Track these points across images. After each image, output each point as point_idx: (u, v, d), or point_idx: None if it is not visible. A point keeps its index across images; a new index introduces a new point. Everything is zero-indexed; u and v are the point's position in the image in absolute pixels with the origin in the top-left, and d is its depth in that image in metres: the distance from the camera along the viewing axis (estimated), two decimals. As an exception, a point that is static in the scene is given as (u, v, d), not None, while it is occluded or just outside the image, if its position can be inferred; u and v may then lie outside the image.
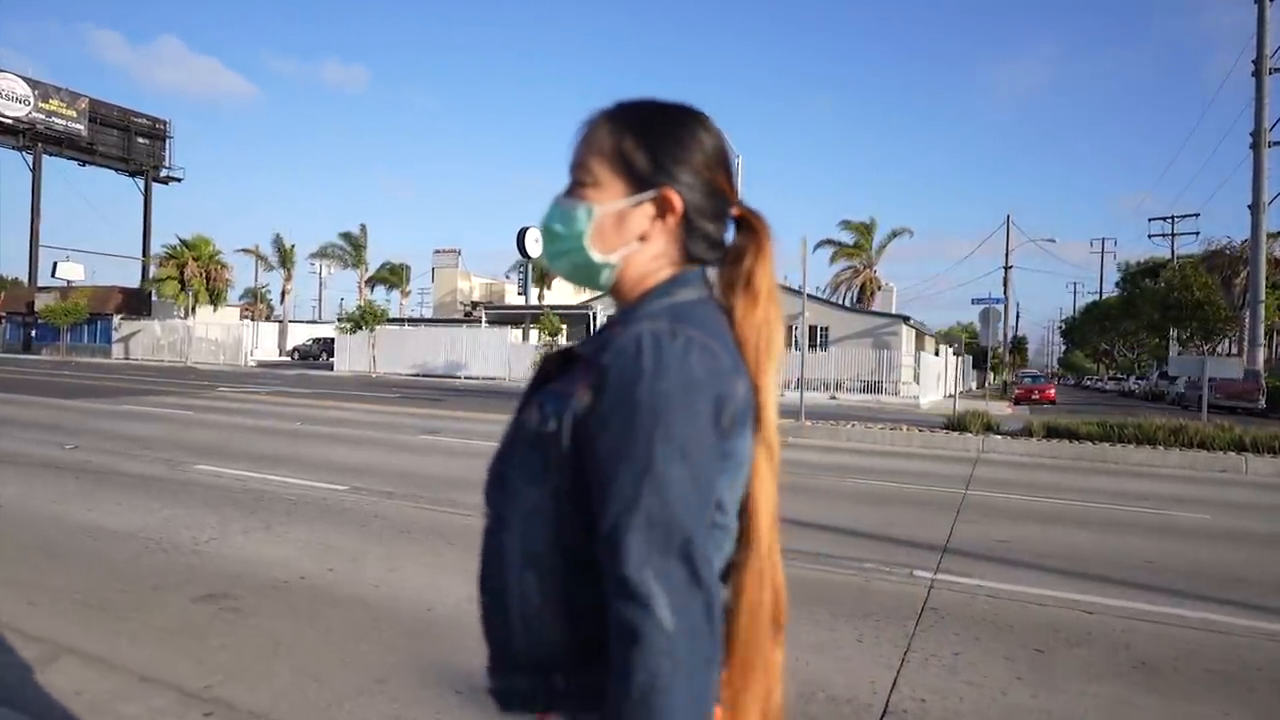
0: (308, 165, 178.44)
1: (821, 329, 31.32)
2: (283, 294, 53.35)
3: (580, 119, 1.00)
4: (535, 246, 25.87)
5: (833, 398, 25.69)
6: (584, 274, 0.99)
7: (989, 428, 12.45)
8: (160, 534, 5.34)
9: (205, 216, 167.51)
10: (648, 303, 0.94)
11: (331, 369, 37.08)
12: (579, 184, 0.97)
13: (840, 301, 44.93)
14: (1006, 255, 39.61)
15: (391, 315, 42.57)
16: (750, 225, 1.00)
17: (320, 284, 61.55)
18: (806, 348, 31.36)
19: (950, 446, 12.09)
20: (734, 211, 1.00)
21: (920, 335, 35.78)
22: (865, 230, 49.09)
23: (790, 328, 32.20)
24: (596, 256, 0.97)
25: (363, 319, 34.32)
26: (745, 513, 0.93)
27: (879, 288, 47.10)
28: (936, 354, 33.30)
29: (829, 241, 49.25)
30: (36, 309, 46.68)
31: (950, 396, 25.97)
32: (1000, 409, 22.82)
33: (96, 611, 3.91)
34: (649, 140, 0.96)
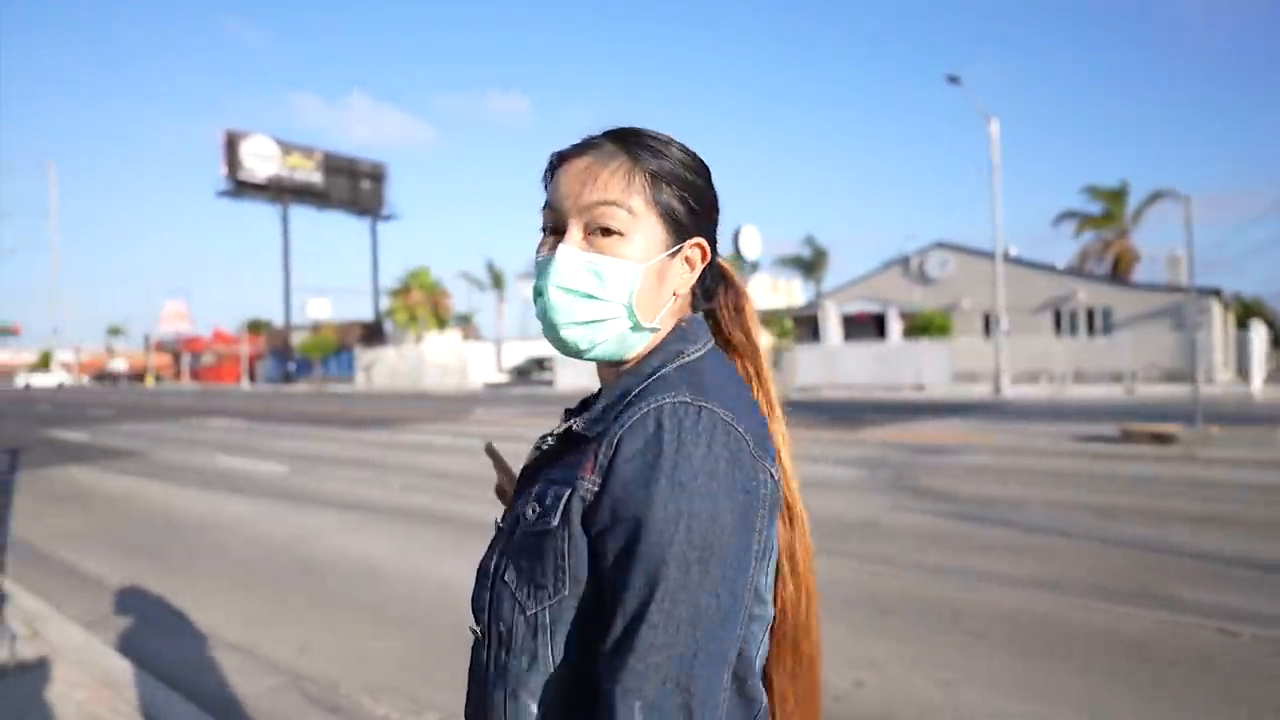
0: (490, 192, 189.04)
1: (1102, 311, 27.28)
2: (498, 315, 55.79)
3: (570, 142, 0.88)
4: (751, 248, 24.47)
5: (1129, 391, 21.94)
6: (616, 346, 0.85)
7: None
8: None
9: (415, 248, 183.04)
10: (657, 360, 0.83)
11: (552, 385, 37.76)
12: (607, 231, 0.81)
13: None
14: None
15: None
16: (720, 268, 0.94)
17: (527, 302, 64.06)
18: (1085, 332, 27.56)
19: None
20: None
21: (1225, 309, 30.37)
22: (1116, 196, 43.30)
23: (1058, 312, 28.49)
24: (646, 324, 0.84)
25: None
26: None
27: (1137, 259, 41.23)
28: (1245, 329, 27.98)
29: (1071, 214, 43.97)
30: (293, 345, 51.91)
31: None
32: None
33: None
34: (686, 183, 0.85)
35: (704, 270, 0.89)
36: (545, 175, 0.89)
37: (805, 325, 31.29)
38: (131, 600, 4.92)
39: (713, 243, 0.90)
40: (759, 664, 0.82)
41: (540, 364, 43.38)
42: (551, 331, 0.85)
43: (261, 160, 54.37)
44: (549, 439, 0.87)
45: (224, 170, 53.12)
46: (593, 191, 0.82)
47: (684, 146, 0.88)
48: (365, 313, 57.64)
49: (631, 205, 0.82)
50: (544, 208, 0.87)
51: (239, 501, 8.31)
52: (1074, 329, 28.22)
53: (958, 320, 29.14)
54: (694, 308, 0.91)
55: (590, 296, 0.82)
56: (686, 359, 0.83)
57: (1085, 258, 43.57)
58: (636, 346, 0.86)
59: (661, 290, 0.85)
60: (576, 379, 36.51)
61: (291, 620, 4.49)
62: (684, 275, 0.87)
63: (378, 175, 63.15)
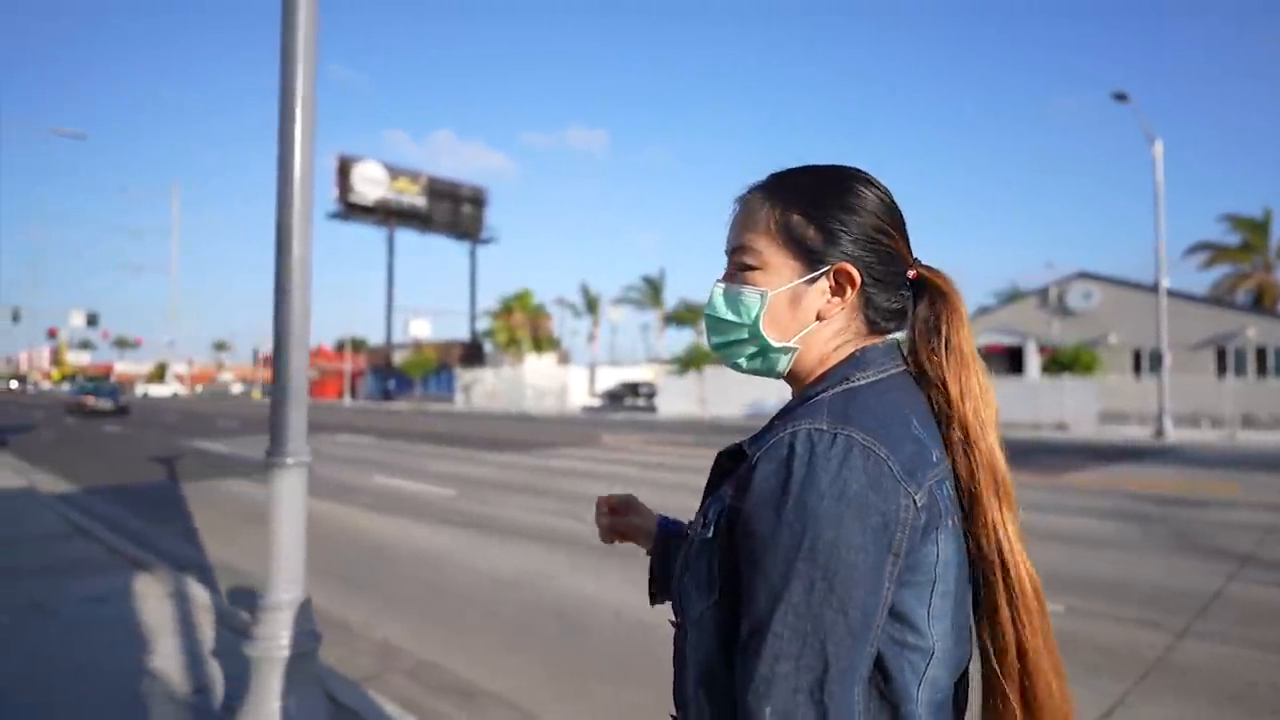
0: (570, 222, 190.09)
1: (1274, 350, 24.82)
2: (590, 338, 55.72)
3: (734, 196, 0.99)
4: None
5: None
6: (760, 363, 0.95)
7: None
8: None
9: (502, 273, 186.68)
10: (822, 385, 0.89)
11: (653, 411, 37.04)
12: (745, 267, 0.93)
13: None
14: None
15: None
16: (935, 285, 0.94)
17: (614, 328, 63.84)
18: (1255, 373, 25.15)
19: None
20: (911, 274, 0.94)
21: None
22: (1258, 227, 40.26)
23: (1221, 349, 26.08)
24: (775, 343, 0.92)
25: (691, 360, 33.82)
26: (988, 603, 0.86)
27: (1283, 296, 37.94)
28: None
29: (1205, 245, 41.09)
30: (395, 363, 52.97)
31: None
32: None
33: None
34: (816, 212, 0.91)
35: (873, 294, 0.92)
36: None
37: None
38: (393, 652, 4.28)
39: (872, 266, 0.91)
40: (921, 695, 0.80)
41: (634, 389, 42.78)
42: (715, 350, 0.98)
43: (371, 184, 56.10)
44: (721, 456, 0.94)
45: (335, 193, 54.97)
46: (733, 238, 0.95)
47: (832, 176, 0.93)
48: (458, 333, 58.49)
49: (759, 244, 0.92)
50: None
51: (429, 528, 7.75)
52: (1240, 369, 25.76)
53: (1104, 356, 27.04)
54: (875, 331, 0.93)
55: (726, 321, 0.94)
56: (851, 384, 0.87)
57: (1218, 294, 40.45)
58: (781, 362, 0.93)
59: (797, 314, 0.91)
60: (676, 405, 35.72)
61: (591, 693, 3.74)
62: (820, 302, 0.91)
63: (478, 200, 64.39)
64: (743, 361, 0.95)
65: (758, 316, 0.91)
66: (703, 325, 1.01)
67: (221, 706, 3.24)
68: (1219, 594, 5.19)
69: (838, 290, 0.90)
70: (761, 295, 0.91)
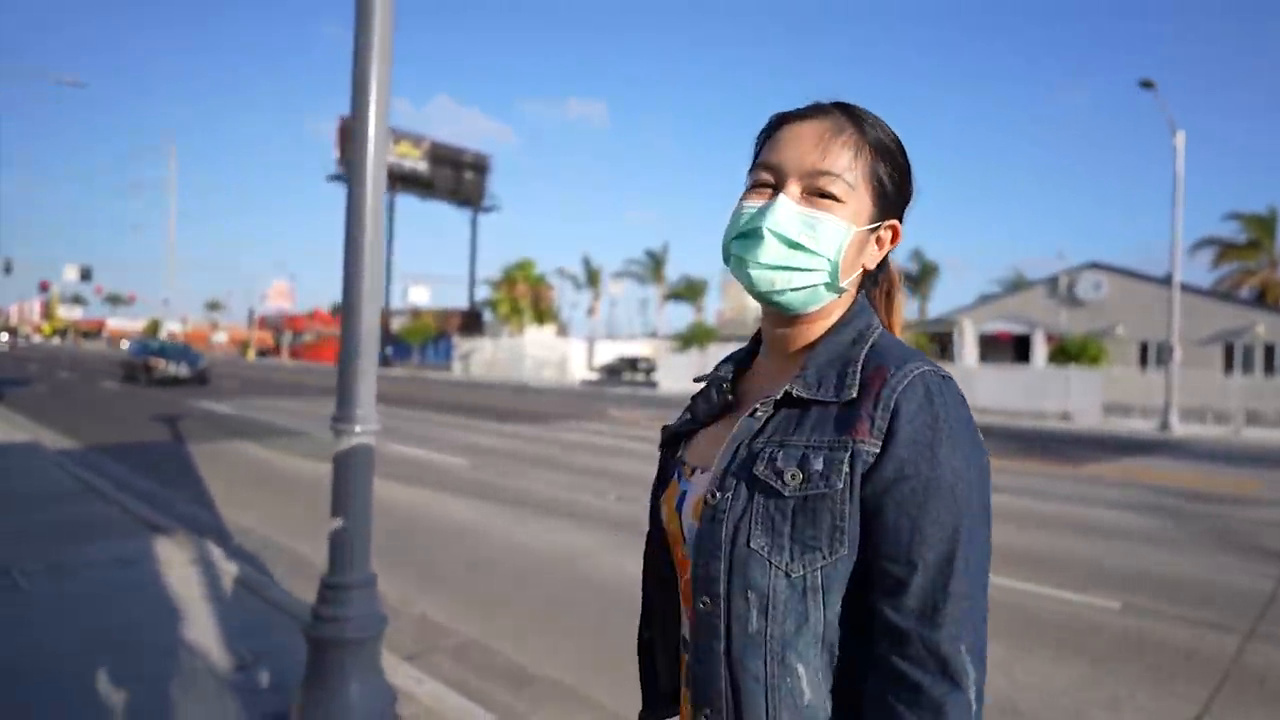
0: (568, 194, 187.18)
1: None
2: (590, 312, 55.41)
3: (805, 104, 0.91)
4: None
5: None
6: (805, 296, 0.88)
7: None
8: None
9: (497, 242, 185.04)
10: (851, 329, 0.89)
11: (653, 386, 36.88)
12: (829, 195, 0.86)
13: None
14: None
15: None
16: (885, 260, 0.97)
17: (613, 302, 63.47)
18: (1262, 370, 25.07)
19: None
20: None
21: None
22: (1264, 224, 40.12)
23: (1229, 345, 25.94)
24: (841, 283, 0.88)
25: (693, 337, 33.61)
26: None
27: (1291, 293, 37.84)
28: None
29: (1211, 240, 40.88)
30: (393, 329, 52.59)
31: None
32: None
33: None
34: (897, 165, 0.90)
35: (889, 256, 0.94)
36: (762, 135, 0.92)
37: (932, 343, 29.49)
38: (435, 630, 4.11)
39: (900, 231, 0.93)
40: None
41: (633, 364, 42.56)
42: (745, 268, 0.87)
43: (373, 146, 55.19)
44: (759, 408, 0.87)
45: (336, 154, 54.16)
46: (822, 158, 0.85)
47: (895, 133, 0.91)
48: (456, 301, 58.06)
49: (853, 178, 0.86)
50: (757, 165, 0.90)
51: (450, 499, 7.57)
52: (1248, 365, 25.68)
53: (1110, 347, 26.91)
54: (862, 286, 0.93)
55: (798, 245, 0.85)
56: (882, 331, 0.89)
57: (1223, 288, 40.29)
58: (821, 302, 0.89)
59: (858, 258, 0.89)
60: (678, 381, 35.57)
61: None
62: (873, 252, 0.91)
63: (480, 166, 63.54)
64: (788, 290, 0.87)
65: (840, 249, 0.86)
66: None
67: (270, 686, 3.06)
68: (1275, 596, 5.06)
69: (881, 245, 0.91)
70: (847, 229, 0.86)
